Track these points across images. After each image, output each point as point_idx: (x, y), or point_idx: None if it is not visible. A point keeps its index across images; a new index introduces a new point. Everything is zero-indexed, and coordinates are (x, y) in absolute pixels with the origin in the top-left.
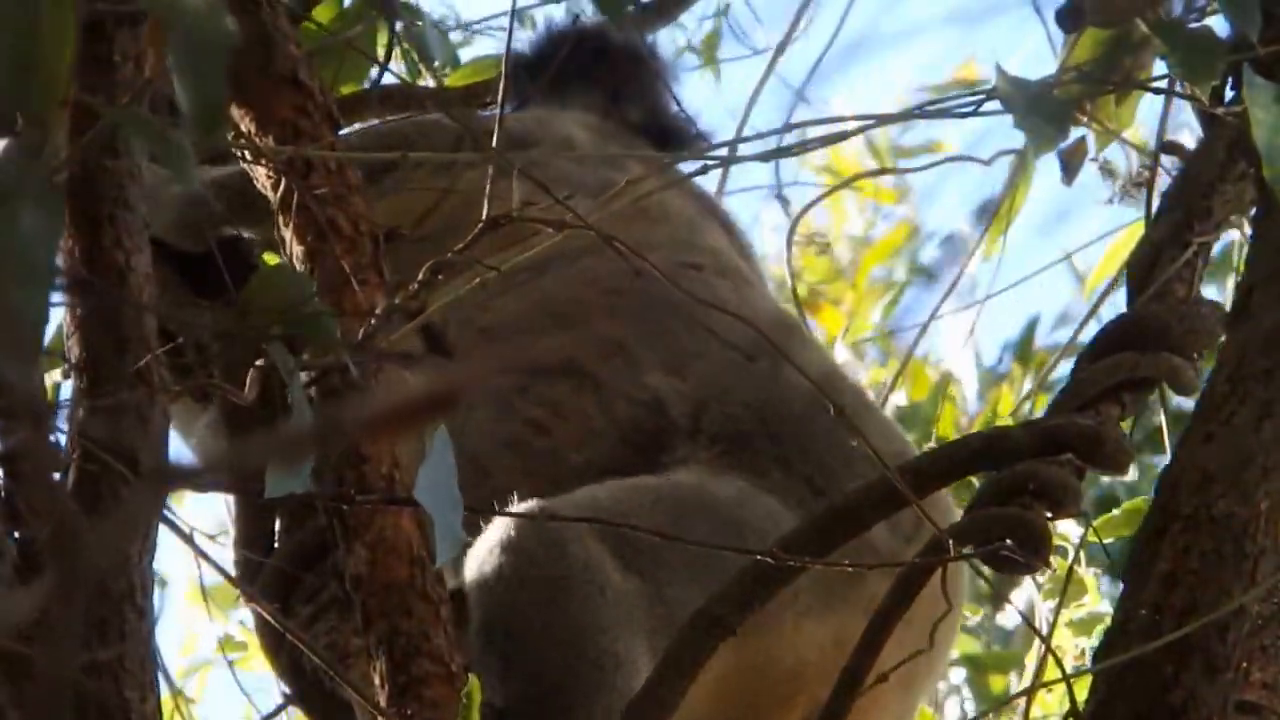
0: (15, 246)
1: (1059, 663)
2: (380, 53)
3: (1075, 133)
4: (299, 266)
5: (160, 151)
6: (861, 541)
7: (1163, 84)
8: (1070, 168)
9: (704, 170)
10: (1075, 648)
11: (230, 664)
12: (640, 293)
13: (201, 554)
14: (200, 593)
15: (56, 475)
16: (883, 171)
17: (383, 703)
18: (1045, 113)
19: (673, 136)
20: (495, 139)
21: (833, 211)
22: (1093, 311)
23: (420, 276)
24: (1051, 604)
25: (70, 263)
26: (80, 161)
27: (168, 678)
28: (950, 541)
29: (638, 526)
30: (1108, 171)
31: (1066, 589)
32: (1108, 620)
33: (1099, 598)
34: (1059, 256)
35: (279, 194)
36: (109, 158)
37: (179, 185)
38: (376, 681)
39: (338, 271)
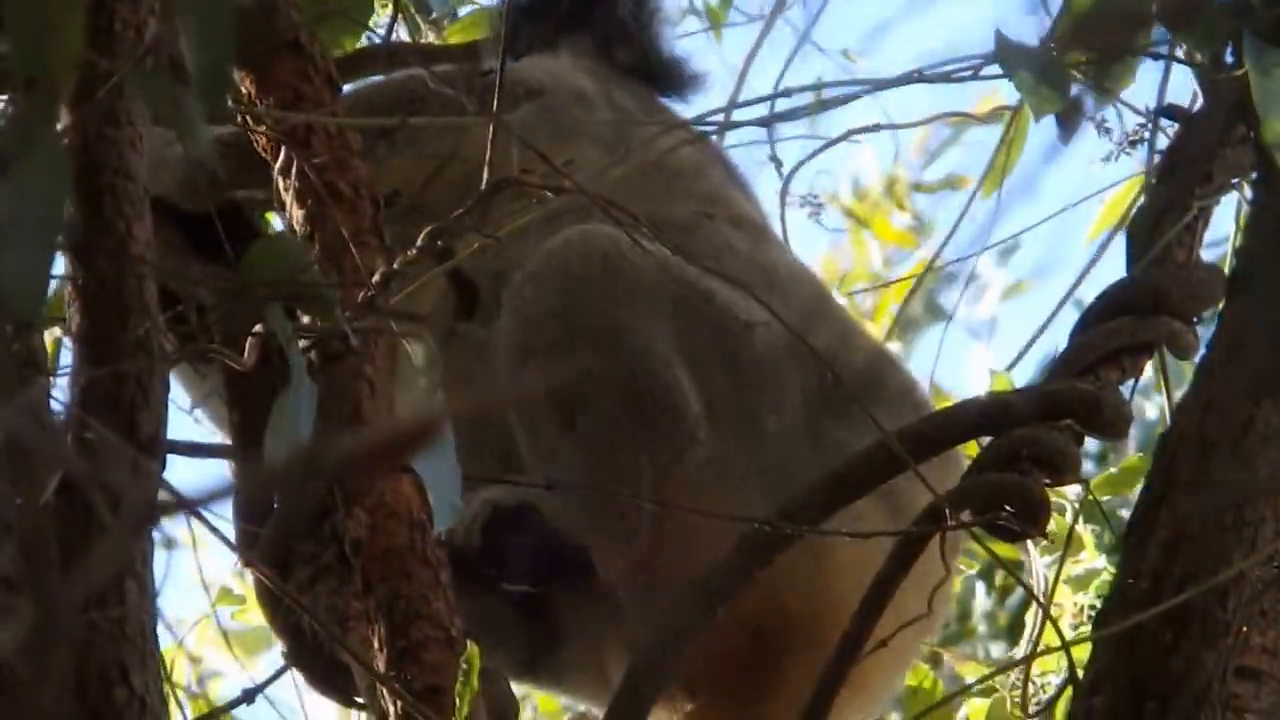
0: (24, 206)
1: (1058, 630)
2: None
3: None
4: (299, 230)
5: (169, 113)
6: None
7: (1163, 49)
8: (1068, 126)
9: (700, 138)
10: (1074, 604)
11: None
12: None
13: (202, 520)
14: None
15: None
16: (877, 128)
17: (382, 666)
18: (1045, 77)
19: (665, 79)
20: (496, 102)
21: (854, 251)
22: (1093, 263)
23: (420, 241)
24: (1049, 559)
25: (70, 231)
26: (80, 130)
27: (169, 629)
28: (948, 508)
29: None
30: (1105, 129)
31: (1065, 555)
32: (1105, 576)
33: (1096, 554)
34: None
35: (279, 160)
36: (110, 127)
37: (186, 146)
38: (376, 645)
39: (338, 236)
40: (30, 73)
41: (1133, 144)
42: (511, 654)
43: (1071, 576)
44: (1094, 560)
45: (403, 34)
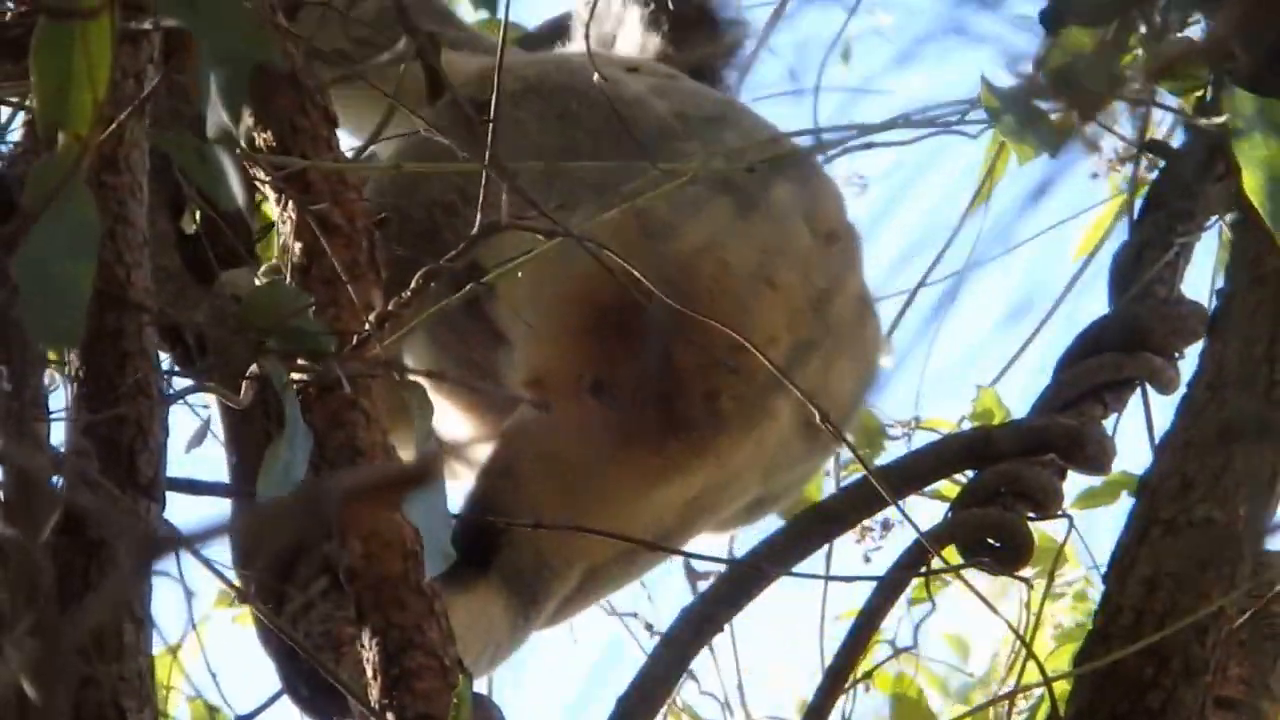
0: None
1: (1040, 666)
2: None
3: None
4: (296, 262)
5: (195, 168)
6: None
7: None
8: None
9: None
10: (1055, 622)
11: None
12: None
13: (199, 557)
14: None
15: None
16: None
17: (375, 694)
18: (1030, 124)
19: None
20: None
21: None
22: (1075, 278)
23: (413, 285)
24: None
25: None
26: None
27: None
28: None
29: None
30: (1093, 146)
31: (1047, 593)
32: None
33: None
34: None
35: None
36: (110, 174)
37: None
38: (370, 673)
39: (334, 269)
40: (57, 128)
41: (1122, 162)
42: None
43: (1053, 593)
44: (1077, 571)
45: None
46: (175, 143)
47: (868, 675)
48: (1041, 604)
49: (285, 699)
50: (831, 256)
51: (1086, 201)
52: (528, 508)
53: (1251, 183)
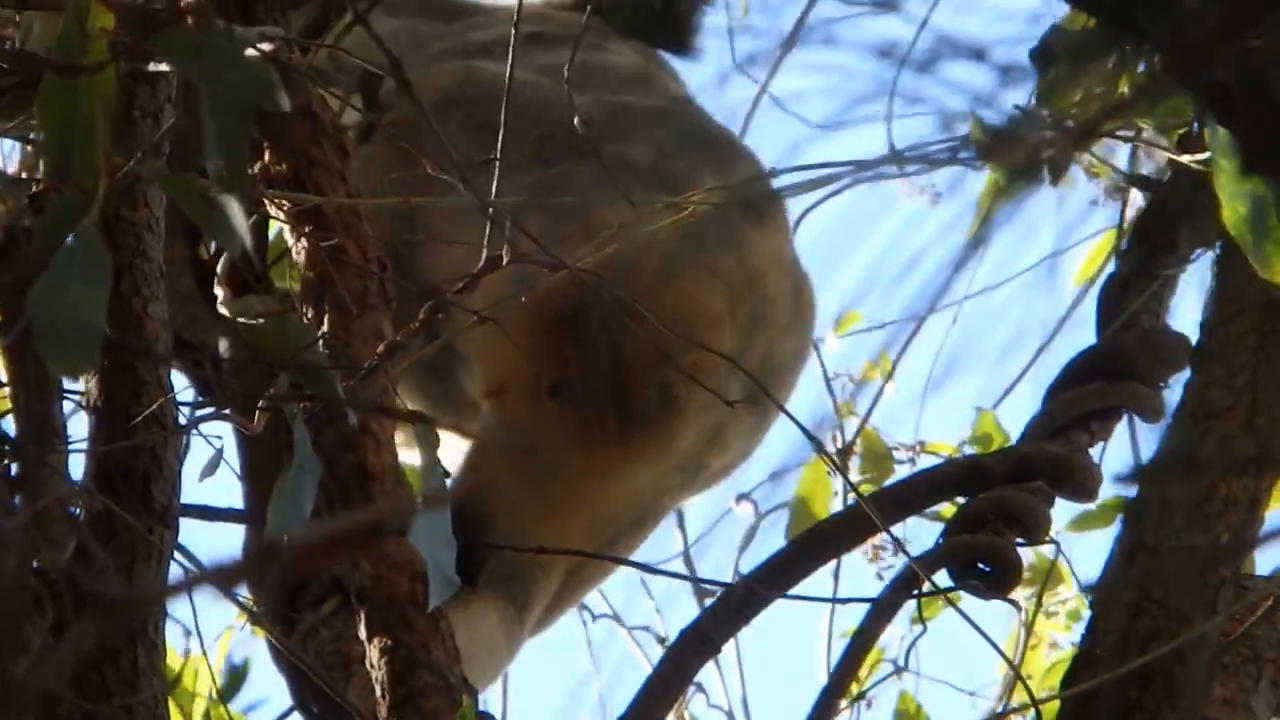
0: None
1: (1029, 690)
2: None
3: None
4: (308, 291)
5: (201, 214)
6: None
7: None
8: (1056, 170)
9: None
10: (1051, 640)
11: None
12: None
13: (214, 584)
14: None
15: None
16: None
17: (383, 713)
18: (1018, 162)
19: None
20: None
21: None
22: (1073, 307)
23: (421, 315)
24: (1020, 616)
25: None
26: (100, 213)
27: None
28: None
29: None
30: (1091, 174)
31: (1035, 616)
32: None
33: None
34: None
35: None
36: (127, 209)
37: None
38: (378, 692)
39: (346, 298)
40: (62, 178)
41: (1119, 189)
42: None
43: (1047, 610)
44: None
45: None
46: (180, 188)
47: (861, 696)
48: (1030, 626)
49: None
50: (763, 232)
51: (1088, 228)
52: (503, 512)
53: (1231, 216)
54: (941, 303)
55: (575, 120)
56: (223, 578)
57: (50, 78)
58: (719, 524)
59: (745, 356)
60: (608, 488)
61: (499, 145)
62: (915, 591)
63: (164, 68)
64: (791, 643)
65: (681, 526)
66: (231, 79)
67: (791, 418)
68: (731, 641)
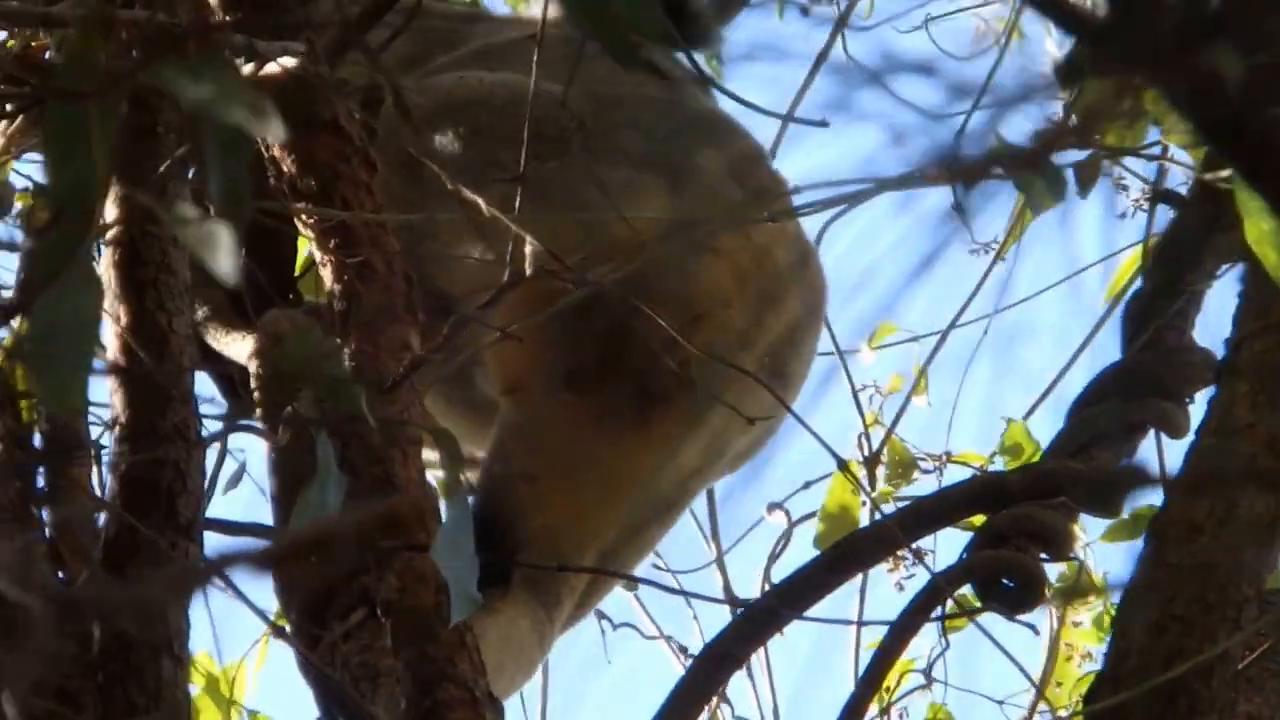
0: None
1: (1051, 707)
2: None
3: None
4: (336, 305)
5: (195, 244)
6: None
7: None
8: (1084, 183)
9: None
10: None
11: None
12: None
13: (237, 593)
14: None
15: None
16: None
17: None
18: (1043, 178)
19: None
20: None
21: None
22: (1106, 317)
23: (445, 331)
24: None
25: (116, 328)
26: (126, 228)
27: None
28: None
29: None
30: (1120, 186)
31: (1059, 636)
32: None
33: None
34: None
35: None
36: (153, 224)
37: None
38: (403, 704)
39: (372, 310)
40: (60, 208)
41: (1149, 200)
42: None
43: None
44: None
45: None
46: (179, 216)
47: (887, 710)
48: (1055, 641)
49: None
50: (765, 209)
51: (1118, 240)
52: (531, 506)
53: (1254, 233)
54: (974, 315)
55: (567, 112)
56: (250, 560)
57: (56, 104)
58: (750, 532)
59: (757, 333)
60: (633, 473)
61: (522, 161)
62: (936, 612)
63: None
64: (820, 652)
65: (714, 536)
66: (227, 110)
67: (814, 434)
68: (760, 652)
